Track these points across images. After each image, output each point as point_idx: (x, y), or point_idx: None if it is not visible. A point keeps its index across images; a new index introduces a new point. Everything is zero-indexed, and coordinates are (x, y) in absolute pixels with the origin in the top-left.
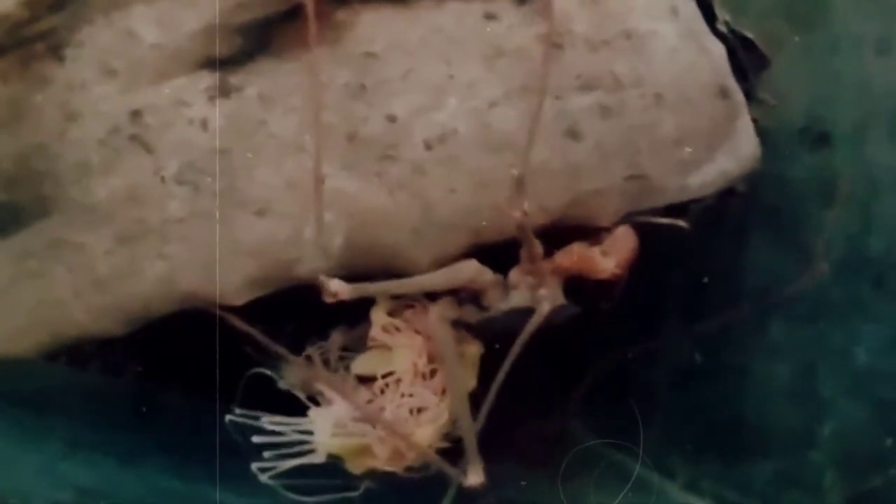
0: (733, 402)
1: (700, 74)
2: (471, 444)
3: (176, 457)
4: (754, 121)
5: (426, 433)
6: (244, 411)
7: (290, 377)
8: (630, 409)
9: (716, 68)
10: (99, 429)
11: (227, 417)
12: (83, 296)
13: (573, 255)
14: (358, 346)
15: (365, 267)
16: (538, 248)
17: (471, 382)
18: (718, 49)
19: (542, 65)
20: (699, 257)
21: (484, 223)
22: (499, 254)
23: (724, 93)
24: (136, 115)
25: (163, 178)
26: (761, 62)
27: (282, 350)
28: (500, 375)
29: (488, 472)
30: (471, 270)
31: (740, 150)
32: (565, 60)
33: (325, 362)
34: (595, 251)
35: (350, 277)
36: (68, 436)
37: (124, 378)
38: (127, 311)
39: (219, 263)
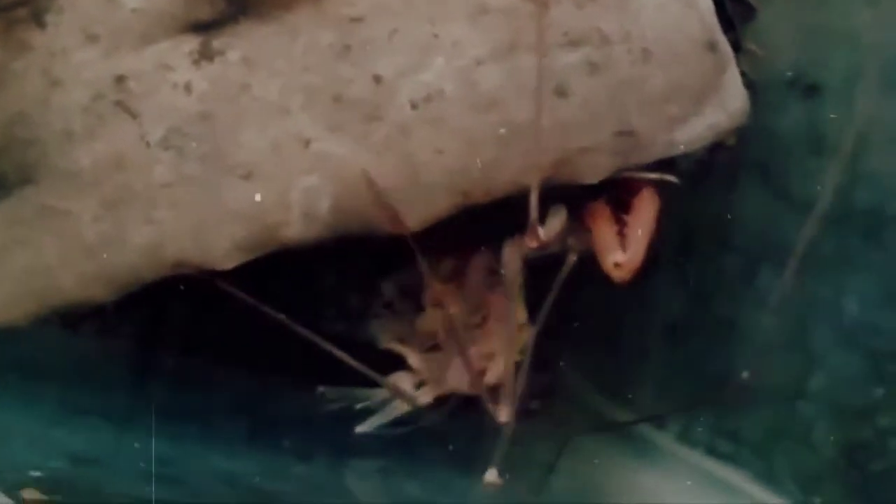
0: (725, 353)
1: (687, 28)
2: (510, 383)
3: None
4: (742, 73)
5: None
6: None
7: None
8: (622, 360)
9: (703, 21)
10: (92, 394)
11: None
12: (71, 263)
13: (595, 226)
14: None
15: (353, 230)
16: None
17: (522, 314)
18: (705, 1)
19: (537, 29)
20: (689, 211)
21: None
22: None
23: (711, 46)
24: (119, 80)
25: (148, 144)
26: (748, 13)
27: (273, 313)
28: (540, 320)
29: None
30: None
31: (729, 104)
32: (552, 17)
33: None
34: (613, 239)
35: (338, 241)
36: (61, 401)
37: (117, 341)
38: (115, 278)
39: (207, 228)
